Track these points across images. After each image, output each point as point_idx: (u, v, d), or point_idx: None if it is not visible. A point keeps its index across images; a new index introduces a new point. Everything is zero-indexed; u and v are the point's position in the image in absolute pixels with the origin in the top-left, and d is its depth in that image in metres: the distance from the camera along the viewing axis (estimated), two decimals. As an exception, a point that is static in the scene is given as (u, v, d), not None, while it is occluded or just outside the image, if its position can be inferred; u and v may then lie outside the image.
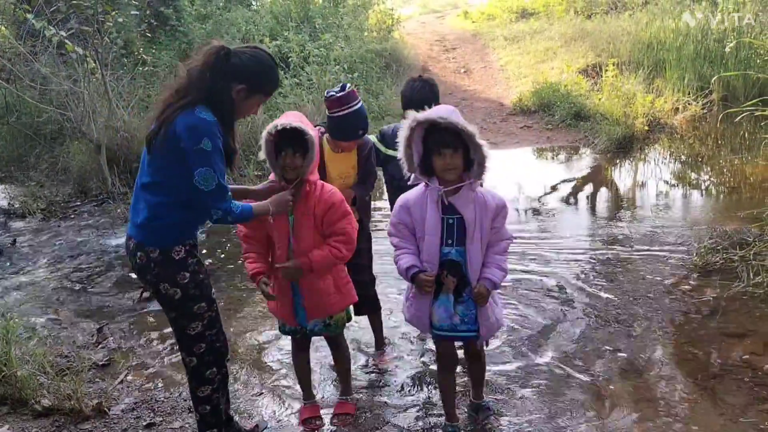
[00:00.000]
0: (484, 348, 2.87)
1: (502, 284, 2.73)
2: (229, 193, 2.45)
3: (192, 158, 2.32)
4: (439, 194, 2.49)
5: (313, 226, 2.69)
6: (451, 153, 2.43)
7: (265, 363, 3.67)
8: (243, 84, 2.43)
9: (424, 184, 2.54)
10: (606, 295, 4.13)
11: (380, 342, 3.65)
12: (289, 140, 2.58)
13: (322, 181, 2.78)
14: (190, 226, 2.53)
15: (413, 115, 2.45)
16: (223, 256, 5.34)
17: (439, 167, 2.47)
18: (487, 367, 3.06)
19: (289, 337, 3.06)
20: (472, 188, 2.50)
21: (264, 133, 2.61)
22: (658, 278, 4.29)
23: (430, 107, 2.89)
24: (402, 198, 2.63)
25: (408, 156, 2.52)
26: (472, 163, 2.46)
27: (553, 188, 6.64)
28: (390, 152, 3.21)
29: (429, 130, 2.46)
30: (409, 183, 2.58)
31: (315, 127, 3.09)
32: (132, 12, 9.00)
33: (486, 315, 2.59)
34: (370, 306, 3.48)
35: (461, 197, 2.50)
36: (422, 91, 3.19)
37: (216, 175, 2.34)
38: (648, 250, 4.77)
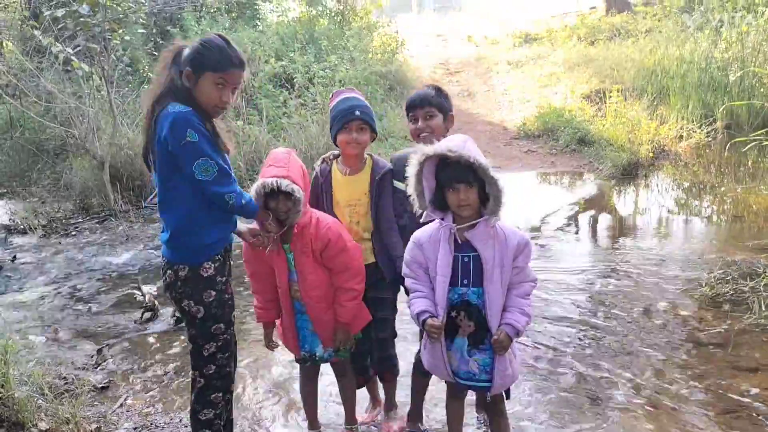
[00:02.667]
0: (505, 400, 2.60)
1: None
2: (234, 177, 2.41)
3: (184, 155, 2.29)
4: (451, 231, 2.33)
5: (313, 262, 2.64)
6: (465, 188, 2.27)
7: (269, 390, 3.60)
8: (188, 67, 2.38)
9: (438, 219, 2.39)
10: (612, 325, 4.07)
11: (391, 404, 3.15)
12: (278, 188, 2.49)
13: (318, 214, 2.67)
14: (213, 236, 2.46)
15: (422, 149, 2.31)
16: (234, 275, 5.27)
17: (453, 203, 2.31)
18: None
19: (296, 364, 3.01)
20: (490, 224, 2.33)
21: (253, 193, 2.51)
22: (667, 308, 4.24)
23: (434, 107, 2.79)
24: (415, 234, 2.47)
25: (419, 192, 2.35)
26: (488, 197, 2.29)
27: (558, 214, 6.60)
28: (400, 185, 2.79)
29: (441, 163, 2.31)
30: (421, 221, 2.44)
31: (329, 154, 2.98)
32: (138, 30, 9.05)
33: (504, 365, 2.37)
34: (387, 369, 3.00)
35: (478, 233, 2.32)
36: (426, 91, 2.85)
37: (214, 161, 2.31)
38: (656, 279, 4.72)
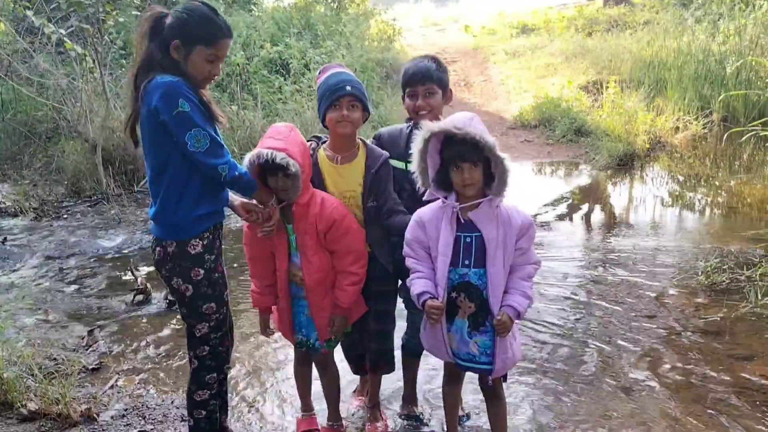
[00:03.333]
0: (503, 385, 2.57)
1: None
2: (226, 148, 2.34)
3: (175, 126, 2.22)
4: (454, 210, 2.28)
5: (317, 243, 2.54)
6: (470, 166, 2.21)
7: (263, 372, 3.56)
8: (176, 38, 2.30)
9: (441, 198, 2.33)
10: (608, 313, 4.05)
11: (374, 401, 2.99)
12: (276, 164, 2.38)
13: (323, 194, 2.58)
14: (201, 210, 2.38)
15: (427, 125, 2.24)
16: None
17: (457, 182, 2.26)
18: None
19: (290, 346, 2.95)
20: (494, 204, 2.27)
21: (246, 162, 2.42)
22: (663, 296, 4.22)
23: (435, 83, 2.63)
24: (417, 213, 2.41)
25: (422, 170, 2.29)
26: (493, 177, 2.24)
27: (553, 204, 6.58)
28: (397, 164, 2.70)
29: (446, 141, 2.25)
30: (424, 198, 2.38)
31: (309, 141, 2.72)
32: (132, 12, 8.93)
33: (504, 347, 2.34)
34: (386, 362, 2.85)
35: (481, 213, 2.27)
36: (427, 65, 2.65)
37: (206, 132, 2.25)
38: (652, 267, 4.71)
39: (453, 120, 2.23)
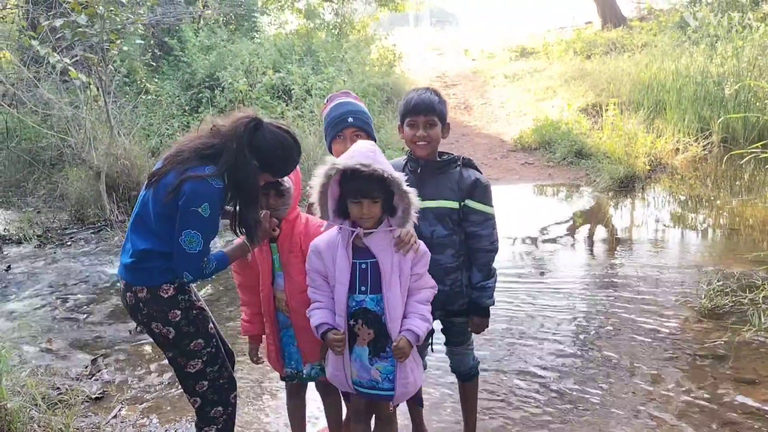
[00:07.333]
0: (396, 412, 2.54)
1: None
2: (207, 257, 2.37)
3: (185, 218, 2.25)
4: (351, 234, 2.26)
5: (301, 262, 2.53)
6: (369, 203, 2.20)
7: (259, 406, 3.55)
8: (256, 161, 2.35)
9: (337, 225, 2.30)
10: (610, 337, 4.04)
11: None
12: (271, 182, 2.46)
13: (306, 215, 2.63)
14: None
15: (333, 162, 2.20)
16: (221, 288, 5.24)
17: (355, 214, 2.23)
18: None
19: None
20: (395, 233, 2.25)
21: None
22: (666, 320, 4.21)
23: (436, 115, 2.56)
24: (314, 242, 2.38)
25: (323, 204, 2.26)
26: (395, 209, 2.23)
27: (555, 226, 6.60)
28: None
29: (346, 173, 2.20)
30: (322, 229, 2.42)
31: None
32: (137, 41, 9.07)
33: (405, 373, 2.32)
34: None
35: (377, 239, 2.25)
36: (429, 97, 2.61)
37: (202, 241, 2.28)
38: (654, 291, 4.70)
39: (357, 155, 2.20)
